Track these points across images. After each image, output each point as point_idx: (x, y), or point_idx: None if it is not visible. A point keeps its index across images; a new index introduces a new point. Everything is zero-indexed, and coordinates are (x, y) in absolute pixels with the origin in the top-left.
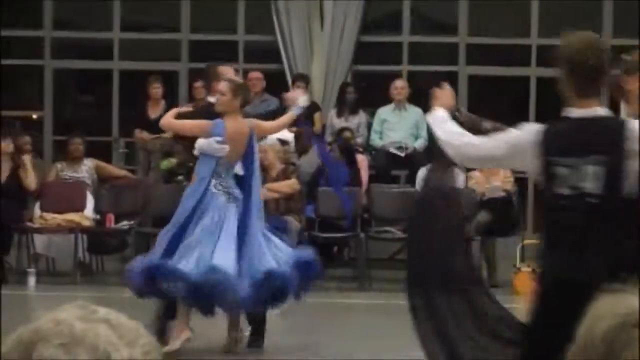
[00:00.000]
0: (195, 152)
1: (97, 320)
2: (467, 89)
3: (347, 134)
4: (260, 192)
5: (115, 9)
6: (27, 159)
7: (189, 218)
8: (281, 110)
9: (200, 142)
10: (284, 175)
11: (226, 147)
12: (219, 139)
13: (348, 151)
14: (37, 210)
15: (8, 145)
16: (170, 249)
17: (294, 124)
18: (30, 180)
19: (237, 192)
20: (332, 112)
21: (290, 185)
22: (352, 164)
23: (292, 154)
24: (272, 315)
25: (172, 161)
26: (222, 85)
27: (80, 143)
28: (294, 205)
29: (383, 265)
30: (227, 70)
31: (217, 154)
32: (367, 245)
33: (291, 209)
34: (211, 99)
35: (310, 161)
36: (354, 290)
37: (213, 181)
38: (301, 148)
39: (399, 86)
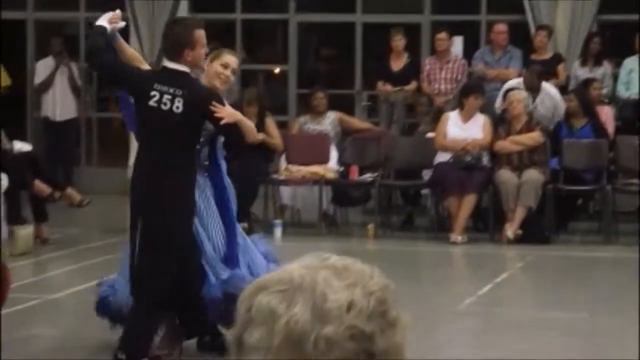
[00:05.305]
0: None
1: (322, 266)
2: None
3: (592, 85)
4: (503, 144)
5: None
6: (269, 122)
7: None
8: (523, 62)
9: None
10: (527, 128)
11: None
12: None
13: (585, 103)
14: (282, 163)
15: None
16: None
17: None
18: (277, 142)
19: None
20: (576, 63)
21: (533, 137)
22: (592, 115)
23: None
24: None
25: None
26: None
27: (322, 97)
28: (538, 157)
29: (629, 219)
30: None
31: None
32: (614, 198)
33: (535, 162)
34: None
35: (544, 102)
36: (599, 244)
37: None
38: (530, 85)
39: None
